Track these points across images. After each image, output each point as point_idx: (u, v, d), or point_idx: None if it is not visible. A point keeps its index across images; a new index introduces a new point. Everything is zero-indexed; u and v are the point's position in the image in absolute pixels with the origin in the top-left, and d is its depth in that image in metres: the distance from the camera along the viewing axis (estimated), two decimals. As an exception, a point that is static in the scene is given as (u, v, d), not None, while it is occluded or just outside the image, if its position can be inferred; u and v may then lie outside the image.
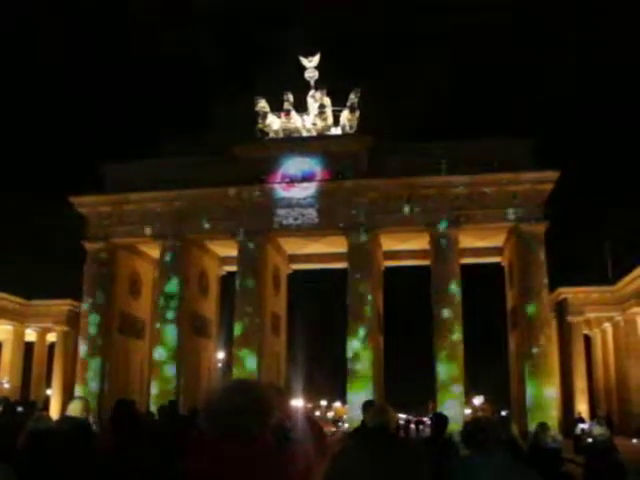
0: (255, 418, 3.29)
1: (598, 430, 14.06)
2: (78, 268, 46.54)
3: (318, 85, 44.70)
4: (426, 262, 44.03)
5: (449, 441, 9.45)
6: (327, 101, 44.16)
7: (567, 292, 51.92)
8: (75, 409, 9.04)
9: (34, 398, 54.62)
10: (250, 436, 3.25)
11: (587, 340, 55.30)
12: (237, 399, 3.30)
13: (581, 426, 35.86)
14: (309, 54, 45.53)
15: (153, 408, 34.41)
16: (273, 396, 3.48)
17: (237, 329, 42.71)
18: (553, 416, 38.65)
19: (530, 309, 40.30)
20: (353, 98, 43.75)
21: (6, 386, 58.06)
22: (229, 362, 46.80)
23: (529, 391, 39.39)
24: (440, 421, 10.00)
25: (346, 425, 56.43)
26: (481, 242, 45.24)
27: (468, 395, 51.46)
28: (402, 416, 62.67)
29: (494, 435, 6.26)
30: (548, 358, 40.69)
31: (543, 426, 16.20)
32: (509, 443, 10.20)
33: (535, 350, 39.71)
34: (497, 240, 45.26)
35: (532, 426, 31.29)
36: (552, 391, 40.43)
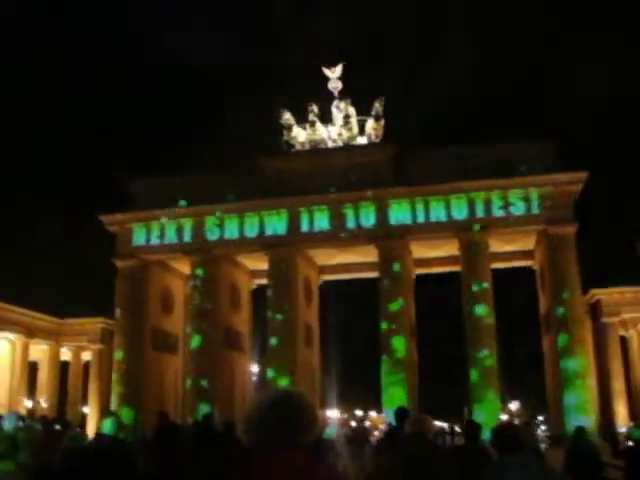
0: (298, 427, 3.30)
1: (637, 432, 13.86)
2: (110, 285, 46.96)
3: (342, 95, 44.84)
4: (457, 268, 43.84)
5: (483, 449, 9.37)
6: (352, 111, 44.26)
7: (601, 293, 51.34)
8: (106, 426, 9.10)
9: (70, 416, 55.10)
10: (293, 445, 3.27)
11: (623, 341, 54.56)
12: (280, 408, 3.32)
13: (620, 429, 35.43)
14: (331, 64, 45.74)
15: (187, 421, 34.54)
16: (314, 405, 3.49)
17: (270, 341, 42.79)
18: (591, 419, 38.21)
19: (563, 312, 39.90)
20: (377, 107, 43.78)
21: (43, 405, 58.66)
22: (263, 374, 46.87)
23: (565, 395, 38.96)
24: (472, 428, 9.92)
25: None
26: (511, 246, 44.94)
27: (504, 400, 50.95)
28: (438, 424, 62.26)
29: (526, 440, 6.23)
30: (584, 360, 40.17)
31: (581, 430, 16.03)
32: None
33: (570, 353, 39.31)
34: (527, 243, 44.92)
35: (570, 430, 31.02)
36: (589, 394, 39.95)
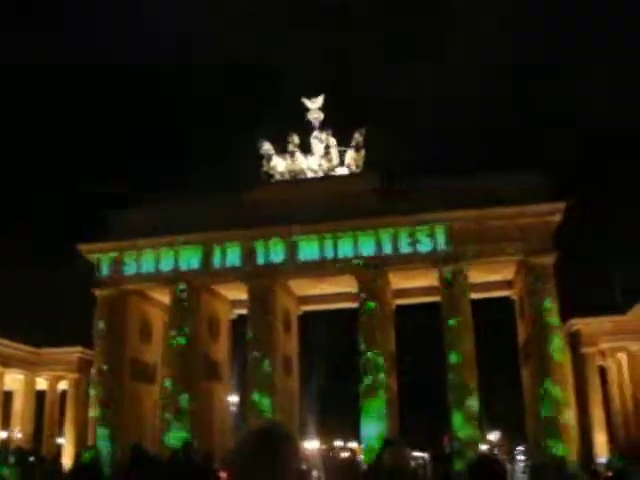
0: (279, 466, 3.30)
1: (617, 462, 13.92)
2: (88, 315, 46.61)
3: (322, 126, 45.13)
4: (436, 298, 43.91)
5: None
6: (332, 141, 44.52)
7: (579, 323, 51.63)
8: (87, 459, 9.05)
9: (46, 447, 54.49)
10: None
11: (602, 370, 54.84)
12: (260, 447, 3.31)
13: (599, 459, 35.52)
14: (312, 95, 46.06)
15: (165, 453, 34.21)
16: (295, 441, 3.49)
17: (249, 371, 42.61)
18: (571, 448, 38.30)
19: (542, 342, 40.05)
20: (358, 137, 44.09)
21: (18, 435, 57.90)
22: (242, 405, 46.62)
23: (545, 425, 39.02)
24: (440, 461, 10.02)
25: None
26: (491, 276, 45.11)
27: (484, 431, 50.91)
28: (419, 454, 61.98)
29: (497, 471, 6.26)
30: (563, 390, 40.35)
31: (561, 460, 16.04)
32: None
33: (549, 383, 39.40)
34: (507, 274, 45.13)
35: (550, 460, 31.02)
36: (569, 424, 40.05)
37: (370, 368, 40.72)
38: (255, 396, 41.69)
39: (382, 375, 40.77)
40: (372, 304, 41.73)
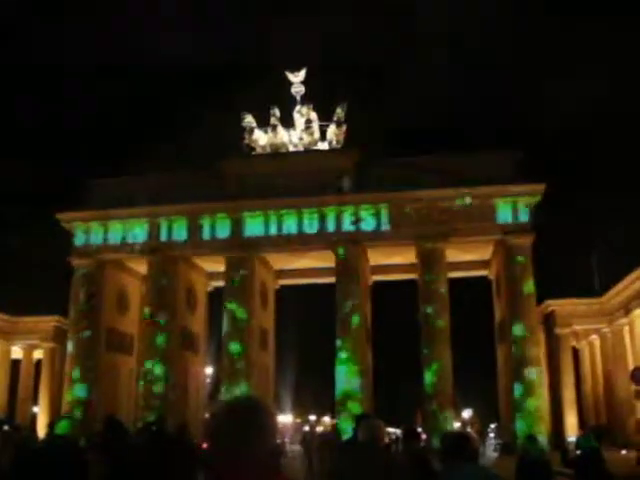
0: (258, 435, 3.30)
1: (586, 442, 14.05)
2: (65, 284, 46.36)
3: (304, 100, 44.95)
4: (414, 275, 44.07)
5: (424, 457, 9.56)
6: (314, 116, 44.37)
7: (555, 304, 51.97)
8: (62, 428, 8.99)
9: (20, 415, 54.31)
10: (252, 457, 3.26)
11: (575, 352, 55.40)
12: (237, 421, 3.31)
13: (569, 438, 35.87)
14: (295, 69, 45.82)
15: (140, 424, 34.25)
16: (272, 413, 3.48)
17: (225, 344, 42.64)
18: (542, 428, 38.68)
19: (518, 322, 40.33)
20: (340, 112, 43.98)
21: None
22: (218, 377, 46.69)
23: (518, 403, 39.40)
24: (411, 436, 10.09)
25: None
26: (468, 255, 45.31)
27: (457, 408, 51.31)
28: (391, 430, 62.45)
29: (469, 447, 6.37)
30: (536, 370, 40.67)
31: (531, 438, 16.20)
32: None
33: (523, 363, 39.73)
34: (484, 253, 45.34)
35: (521, 438, 31.39)
36: (541, 403, 40.44)
37: (345, 342, 40.84)
38: (229, 368, 41.77)
39: (358, 350, 40.92)
40: (348, 278, 41.74)
